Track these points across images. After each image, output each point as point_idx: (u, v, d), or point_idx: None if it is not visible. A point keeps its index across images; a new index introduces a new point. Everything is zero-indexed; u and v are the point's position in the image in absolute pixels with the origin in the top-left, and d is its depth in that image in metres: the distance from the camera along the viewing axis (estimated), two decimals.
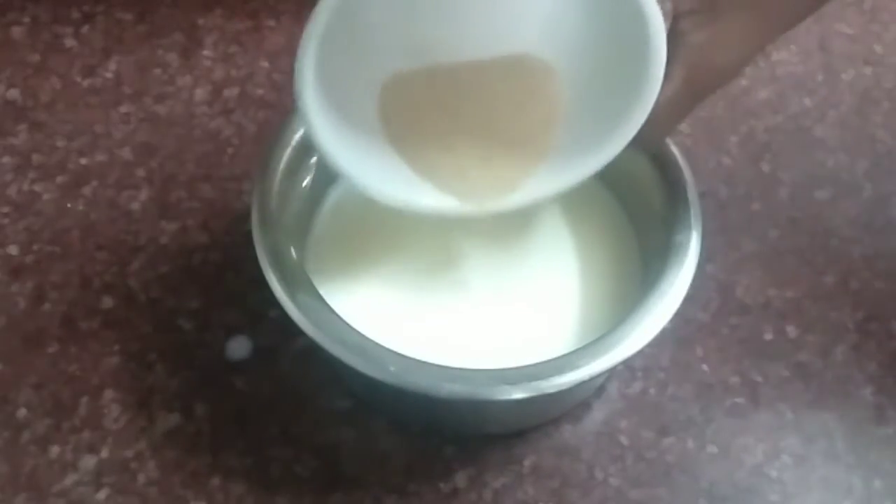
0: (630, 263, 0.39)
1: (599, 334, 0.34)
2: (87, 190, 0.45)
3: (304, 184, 0.39)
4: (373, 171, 0.33)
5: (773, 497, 0.38)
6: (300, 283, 0.34)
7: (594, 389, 0.40)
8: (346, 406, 0.40)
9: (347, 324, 0.34)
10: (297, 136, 0.38)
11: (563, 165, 0.34)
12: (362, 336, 0.34)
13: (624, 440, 0.39)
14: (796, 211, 0.46)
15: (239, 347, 0.41)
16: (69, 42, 0.51)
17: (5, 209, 0.45)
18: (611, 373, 0.40)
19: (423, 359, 0.33)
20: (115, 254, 0.43)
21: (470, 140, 0.35)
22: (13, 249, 0.43)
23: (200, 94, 0.49)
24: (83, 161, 0.46)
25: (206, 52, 0.50)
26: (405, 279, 0.39)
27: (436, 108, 0.35)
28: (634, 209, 0.40)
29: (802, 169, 0.48)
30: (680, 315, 0.34)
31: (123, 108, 0.48)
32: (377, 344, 0.33)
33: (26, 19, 0.51)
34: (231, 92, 0.49)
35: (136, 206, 0.45)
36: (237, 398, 0.40)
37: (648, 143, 0.33)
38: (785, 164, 0.48)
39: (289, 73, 0.49)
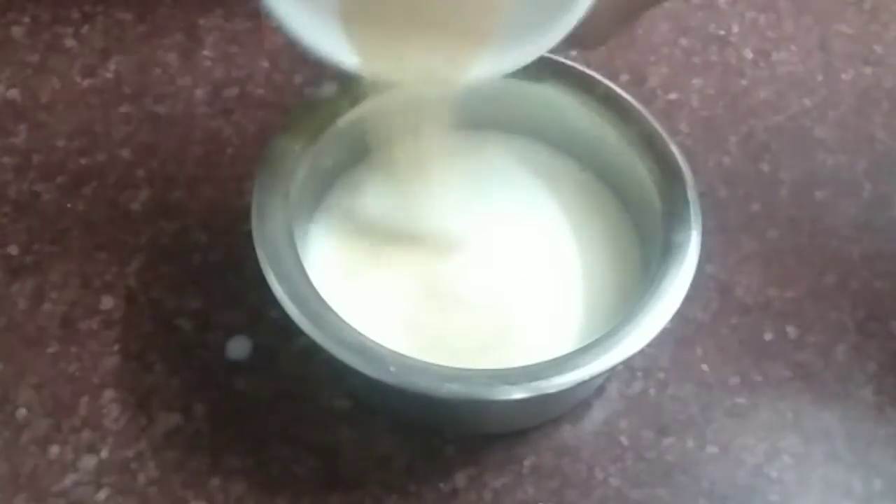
0: (631, 263, 0.39)
1: (599, 334, 0.34)
2: (87, 190, 0.45)
3: (305, 183, 0.39)
4: (316, 30, 0.33)
5: (773, 497, 0.38)
6: (300, 283, 0.34)
7: (594, 389, 0.40)
8: (346, 406, 0.40)
9: (347, 324, 0.34)
10: (298, 136, 0.38)
11: (501, 55, 0.34)
12: (362, 336, 0.34)
13: (624, 440, 0.39)
14: (796, 211, 0.46)
15: (239, 347, 0.41)
16: (69, 42, 0.51)
17: (5, 209, 0.45)
18: (611, 373, 0.40)
19: (423, 359, 0.33)
20: (115, 254, 0.43)
21: (410, 28, 0.35)
22: (13, 249, 0.43)
23: (200, 94, 0.49)
24: (83, 161, 0.46)
25: (206, 52, 0.50)
26: (405, 278, 0.39)
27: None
28: (635, 209, 0.40)
29: (802, 169, 0.48)
30: (680, 315, 0.34)
31: (123, 108, 0.48)
32: (377, 344, 0.33)
33: (26, 19, 0.51)
34: (231, 92, 0.49)
35: (136, 206, 0.45)
36: (237, 398, 0.40)
37: (590, 41, 0.33)
38: (785, 164, 0.48)
39: (289, 73, 0.50)
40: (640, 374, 0.41)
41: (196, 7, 0.52)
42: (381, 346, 0.33)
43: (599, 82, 0.40)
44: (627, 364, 0.41)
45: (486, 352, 0.37)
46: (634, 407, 0.40)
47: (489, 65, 0.34)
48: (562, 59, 0.40)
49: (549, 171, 0.42)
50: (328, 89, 0.39)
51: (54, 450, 0.38)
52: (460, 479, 0.38)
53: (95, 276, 0.43)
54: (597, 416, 0.40)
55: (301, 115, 0.39)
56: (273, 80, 0.49)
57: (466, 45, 0.35)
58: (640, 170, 0.39)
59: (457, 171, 0.40)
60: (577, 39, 0.33)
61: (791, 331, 0.43)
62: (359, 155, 0.42)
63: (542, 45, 0.33)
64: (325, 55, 0.34)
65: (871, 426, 0.40)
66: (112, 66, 0.50)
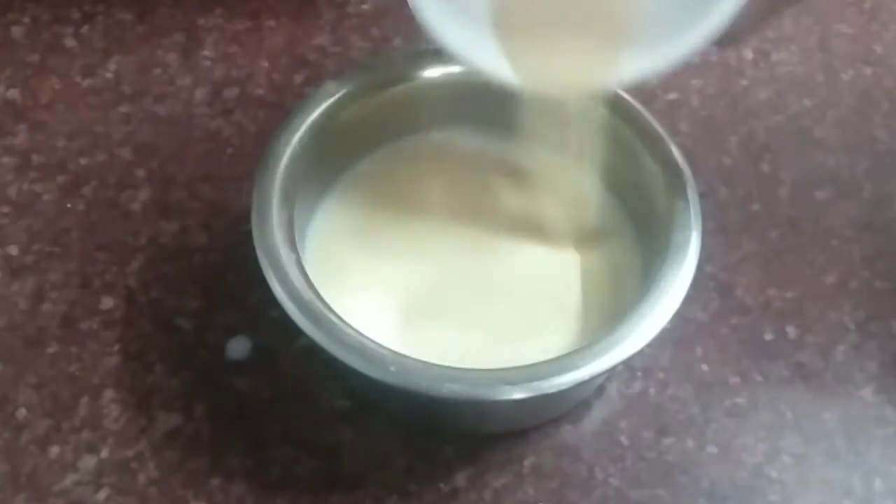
0: (631, 263, 0.39)
1: (599, 334, 0.34)
2: (87, 190, 0.45)
3: (305, 183, 0.39)
4: (469, 43, 0.34)
5: (773, 497, 0.38)
6: (300, 283, 0.34)
7: (594, 389, 0.40)
8: (346, 406, 0.40)
9: (347, 324, 0.34)
10: (298, 135, 0.38)
11: (645, 53, 0.34)
12: (362, 336, 0.34)
13: (624, 440, 0.39)
14: (796, 211, 0.46)
15: (239, 347, 0.41)
16: (69, 42, 0.51)
17: (5, 209, 0.45)
18: (611, 373, 0.40)
19: (424, 359, 0.33)
20: (115, 254, 0.43)
21: (553, 28, 0.35)
22: (13, 249, 0.43)
23: (200, 94, 0.49)
24: (83, 161, 0.46)
25: (206, 52, 0.50)
26: (405, 279, 0.39)
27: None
28: (635, 209, 0.40)
29: (802, 169, 0.48)
30: (680, 315, 0.34)
31: (123, 108, 0.48)
32: (377, 344, 0.33)
33: (26, 19, 0.51)
34: (231, 92, 0.49)
35: (136, 206, 0.45)
36: (237, 398, 0.40)
37: (731, 36, 0.32)
38: (785, 164, 0.48)
39: (289, 73, 0.50)
40: (640, 374, 0.41)
41: (196, 7, 0.52)
42: (381, 346, 0.33)
43: None
44: (627, 364, 0.41)
45: (485, 352, 0.37)
46: (634, 407, 0.40)
47: (640, 64, 0.34)
48: None
49: (549, 172, 0.42)
50: (328, 89, 0.39)
51: (54, 450, 0.38)
52: (460, 479, 0.38)
53: (95, 276, 0.43)
54: (597, 416, 0.40)
55: (301, 115, 0.39)
56: (273, 80, 0.49)
57: (614, 44, 0.34)
58: (640, 170, 0.39)
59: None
60: (721, 35, 0.32)
61: (791, 331, 0.43)
62: (359, 154, 0.42)
63: (693, 42, 0.32)
64: (482, 69, 0.34)
65: (871, 426, 0.40)
66: (112, 66, 0.50)
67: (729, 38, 0.33)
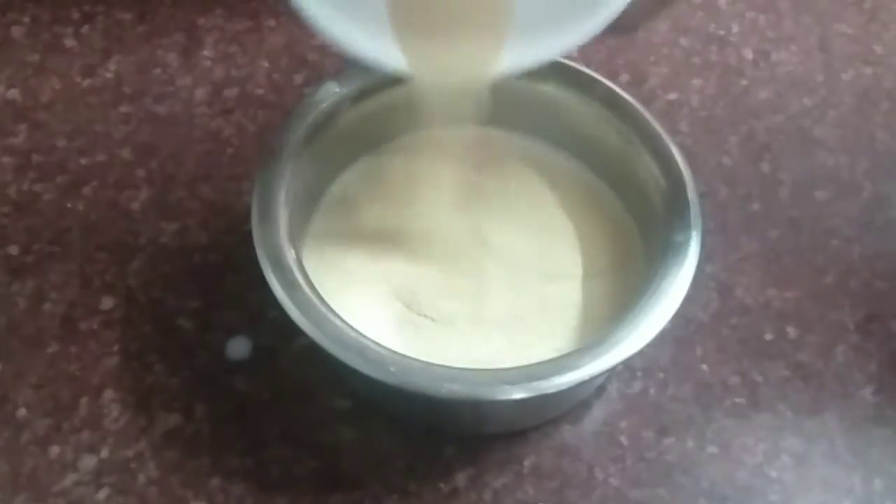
0: (631, 263, 0.39)
1: (599, 334, 0.34)
2: (87, 190, 0.45)
3: (304, 183, 0.39)
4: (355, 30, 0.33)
5: (773, 497, 0.38)
6: (300, 283, 0.35)
7: (594, 389, 0.40)
8: (346, 406, 0.40)
9: (347, 324, 0.34)
10: (298, 135, 0.38)
11: (529, 44, 0.33)
12: (362, 336, 0.34)
13: (624, 440, 0.39)
14: (796, 211, 0.46)
15: (239, 347, 0.41)
16: (69, 42, 0.51)
17: (5, 209, 0.45)
18: (611, 373, 0.40)
19: (423, 359, 0.33)
20: (115, 254, 0.43)
21: (452, 17, 0.34)
22: (13, 249, 0.43)
23: (200, 94, 0.49)
24: (83, 161, 0.46)
25: (206, 52, 0.50)
26: (405, 278, 0.39)
27: None
28: (635, 209, 0.40)
29: (802, 169, 0.48)
30: (680, 315, 0.34)
31: (123, 108, 0.48)
32: (377, 344, 0.33)
33: (26, 19, 0.51)
34: (231, 92, 0.49)
35: (136, 206, 0.45)
36: (237, 398, 0.40)
37: (625, 26, 0.32)
38: (785, 164, 0.48)
39: (289, 73, 0.50)
40: (640, 374, 0.41)
41: (196, 7, 0.52)
42: (382, 346, 0.33)
43: (599, 82, 0.40)
44: (627, 364, 0.41)
45: (485, 351, 0.37)
46: (634, 407, 0.40)
47: (524, 54, 0.34)
48: (562, 59, 0.40)
49: (549, 171, 0.42)
50: (328, 89, 0.40)
51: (54, 450, 0.38)
52: (460, 479, 0.38)
53: (95, 276, 0.43)
54: (597, 416, 0.40)
55: (301, 115, 0.39)
56: (273, 80, 0.49)
57: (497, 34, 0.34)
58: (640, 170, 0.39)
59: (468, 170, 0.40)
60: (612, 24, 0.32)
61: (791, 331, 0.43)
62: (358, 154, 0.42)
63: (583, 31, 0.32)
64: (365, 56, 0.33)
65: (870, 426, 0.40)
66: (112, 66, 0.50)
67: (625, 27, 0.32)
